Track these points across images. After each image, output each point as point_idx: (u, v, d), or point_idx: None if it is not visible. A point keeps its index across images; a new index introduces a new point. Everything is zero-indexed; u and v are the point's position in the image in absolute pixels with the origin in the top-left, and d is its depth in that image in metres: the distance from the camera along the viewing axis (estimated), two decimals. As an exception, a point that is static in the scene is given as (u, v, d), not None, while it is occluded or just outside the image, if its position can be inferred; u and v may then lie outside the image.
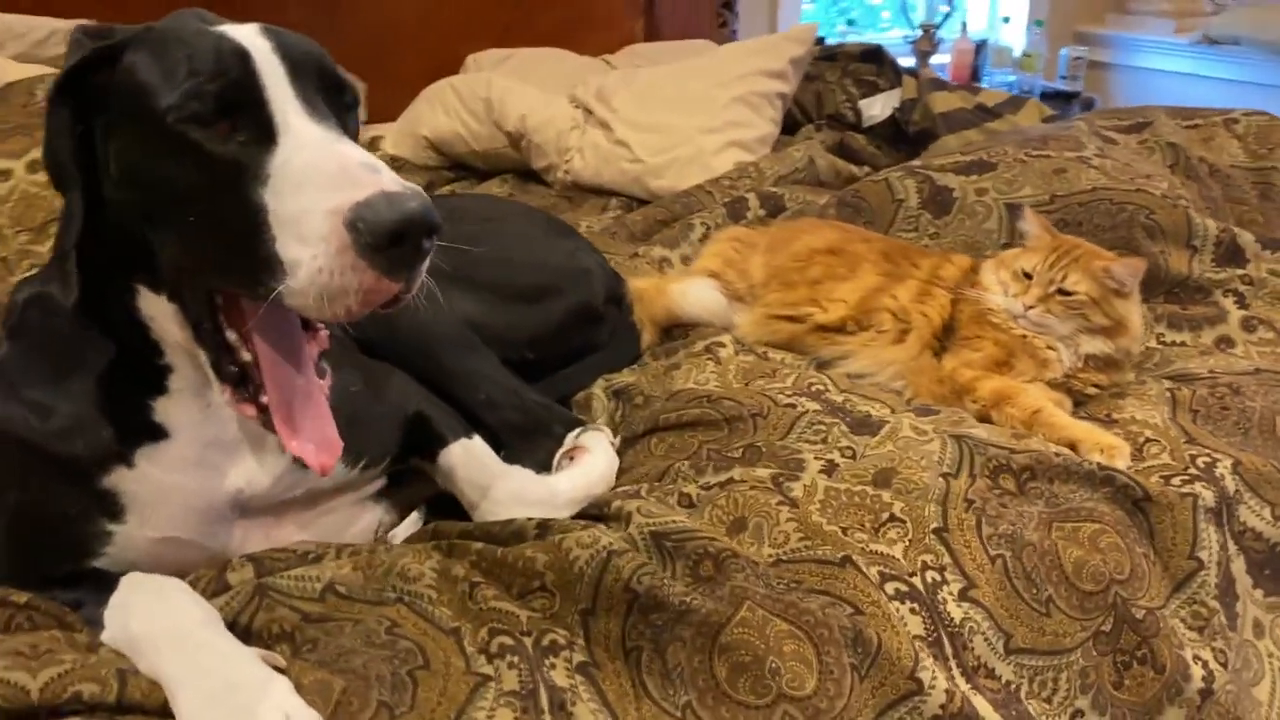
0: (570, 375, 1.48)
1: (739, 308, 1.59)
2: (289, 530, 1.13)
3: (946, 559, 1.06)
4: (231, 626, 0.92)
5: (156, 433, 0.98)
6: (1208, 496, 1.17)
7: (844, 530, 1.06)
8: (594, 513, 1.14)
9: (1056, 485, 1.17)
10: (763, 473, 1.14)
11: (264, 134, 0.85)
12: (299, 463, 1.06)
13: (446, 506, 1.23)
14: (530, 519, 1.07)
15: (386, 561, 1.00)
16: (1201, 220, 1.65)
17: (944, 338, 1.44)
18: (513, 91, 2.31)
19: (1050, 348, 1.38)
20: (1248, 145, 1.92)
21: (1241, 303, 1.59)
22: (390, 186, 0.79)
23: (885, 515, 1.09)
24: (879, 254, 1.54)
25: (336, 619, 0.95)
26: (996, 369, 1.38)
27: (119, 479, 0.97)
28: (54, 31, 2.32)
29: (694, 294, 1.58)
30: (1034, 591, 1.06)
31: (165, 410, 0.98)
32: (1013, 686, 1.03)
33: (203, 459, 1.01)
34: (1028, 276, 1.41)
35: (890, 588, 1.02)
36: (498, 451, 1.25)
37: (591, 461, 1.21)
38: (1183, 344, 1.54)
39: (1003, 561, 1.07)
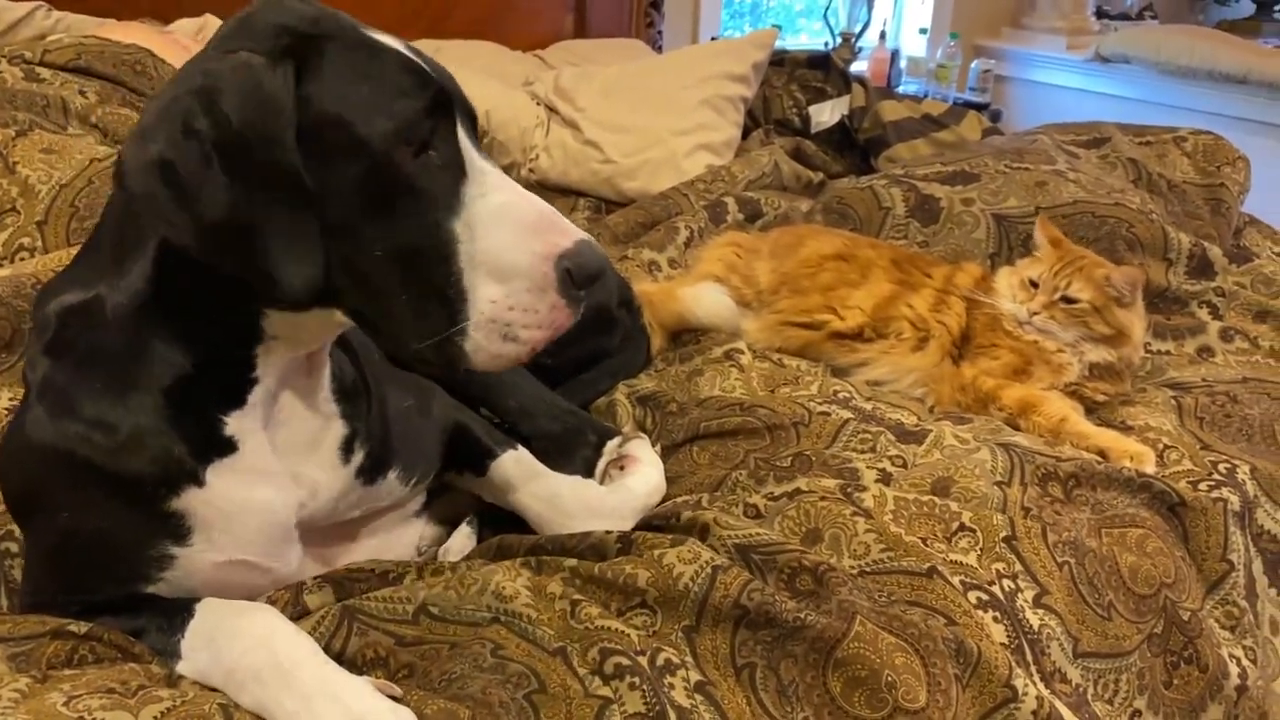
0: (588, 381, 1.45)
1: (745, 313, 1.59)
2: (338, 550, 1.07)
3: (1019, 567, 1.08)
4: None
5: (226, 447, 0.91)
6: (1234, 501, 1.23)
7: (923, 540, 1.07)
8: (658, 523, 1.12)
9: (1100, 492, 1.20)
10: (830, 483, 1.13)
11: (455, 163, 0.85)
12: (361, 478, 1.02)
13: (491, 520, 1.19)
14: (610, 533, 1.04)
15: (479, 580, 0.95)
16: (1175, 234, 1.73)
17: (961, 346, 1.47)
18: (474, 85, 2.24)
19: (1061, 352, 1.43)
20: (1197, 163, 2.03)
21: (1216, 314, 1.68)
22: (583, 234, 0.87)
23: (955, 525, 1.10)
24: (888, 261, 1.56)
25: (431, 642, 0.90)
26: (1015, 376, 1.41)
27: (188, 499, 0.90)
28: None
29: (705, 299, 1.57)
30: (1097, 597, 1.09)
31: (238, 424, 0.91)
32: (1081, 689, 1.05)
33: (270, 472, 0.94)
34: (1034, 285, 1.45)
35: (973, 597, 1.03)
36: (537, 462, 1.21)
37: (645, 470, 1.19)
38: (1169, 353, 1.62)
39: (1069, 568, 1.09)
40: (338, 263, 0.84)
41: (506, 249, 0.84)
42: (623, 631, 0.91)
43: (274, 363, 0.92)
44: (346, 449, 1.01)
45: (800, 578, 0.98)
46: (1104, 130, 2.09)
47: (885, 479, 1.17)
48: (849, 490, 1.12)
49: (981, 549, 1.08)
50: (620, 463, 1.21)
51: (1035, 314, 1.41)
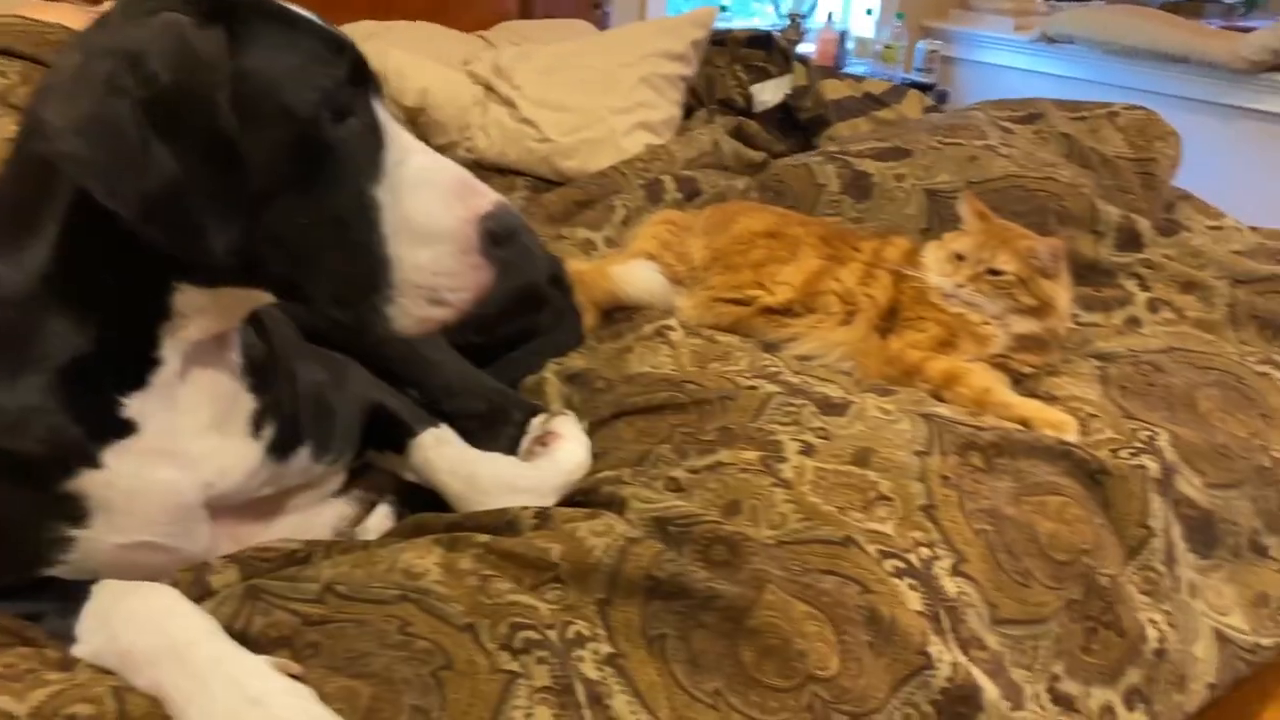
0: (517, 360, 1.44)
1: (678, 290, 1.58)
2: (252, 530, 1.05)
3: (936, 535, 1.08)
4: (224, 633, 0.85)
5: (124, 429, 0.89)
6: (1153, 468, 1.24)
7: (840, 510, 1.07)
8: (579, 499, 1.11)
9: (1020, 460, 1.21)
10: (751, 455, 1.13)
11: (374, 130, 0.86)
12: (272, 455, 1.00)
13: (410, 499, 1.17)
14: (525, 508, 1.03)
15: (387, 558, 0.94)
16: (1104, 207, 1.75)
17: (889, 319, 1.47)
18: (411, 64, 2.22)
19: (986, 324, 1.43)
20: (1129, 137, 2.04)
21: (1144, 285, 1.70)
22: (499, 195, 0.89)
23: (874, 494, 1.10)
24: (817, 237, 1.56)
25: (338, 620, 0.89)
26: (941, 349, 1.42)
27: (84, 482, 0.88)
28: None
29: (636, 276, 1.56)
30: (1015, 564, 1.10)
31: (138, 405, 0.89)
32: (999, 656, 1.06)
33: (174, 452, 0.92)
34: (960, 258, 1.46)
35: (890, 565, 1.03)
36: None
37: (569, 447, 1.18)
38: (1097, 324, 1.63)
39: (986, 536, 1.10)
40: (262, 232, 0.83)
41: (430, 213, 0.85)
42: (533, 606, 0.90)
43: (180, 342, 0.91)
44: (256, 425, 0.99)
45: (715, 548, 0.98)
46: (1038, 106, 2.10)
47: (808, 450, 1.17)
48: (769, 462, 1.12)
49: (899, 518, 1.09)
50: (544, 439, 1.20)
51: (961, 287, 1.42)
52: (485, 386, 1.30)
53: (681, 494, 1.10)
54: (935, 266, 1.47)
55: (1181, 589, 1.24)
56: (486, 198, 0.89)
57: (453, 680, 0.83)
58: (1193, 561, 1.27)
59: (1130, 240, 1.75)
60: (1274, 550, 1.32)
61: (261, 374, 1.01)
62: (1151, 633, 1.16)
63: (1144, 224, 1.76)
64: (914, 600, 1.01)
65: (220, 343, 0.96)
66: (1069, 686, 1.10)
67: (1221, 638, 1.25)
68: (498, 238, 0.88)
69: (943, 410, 1.27)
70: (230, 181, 0.80)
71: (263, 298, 0.94)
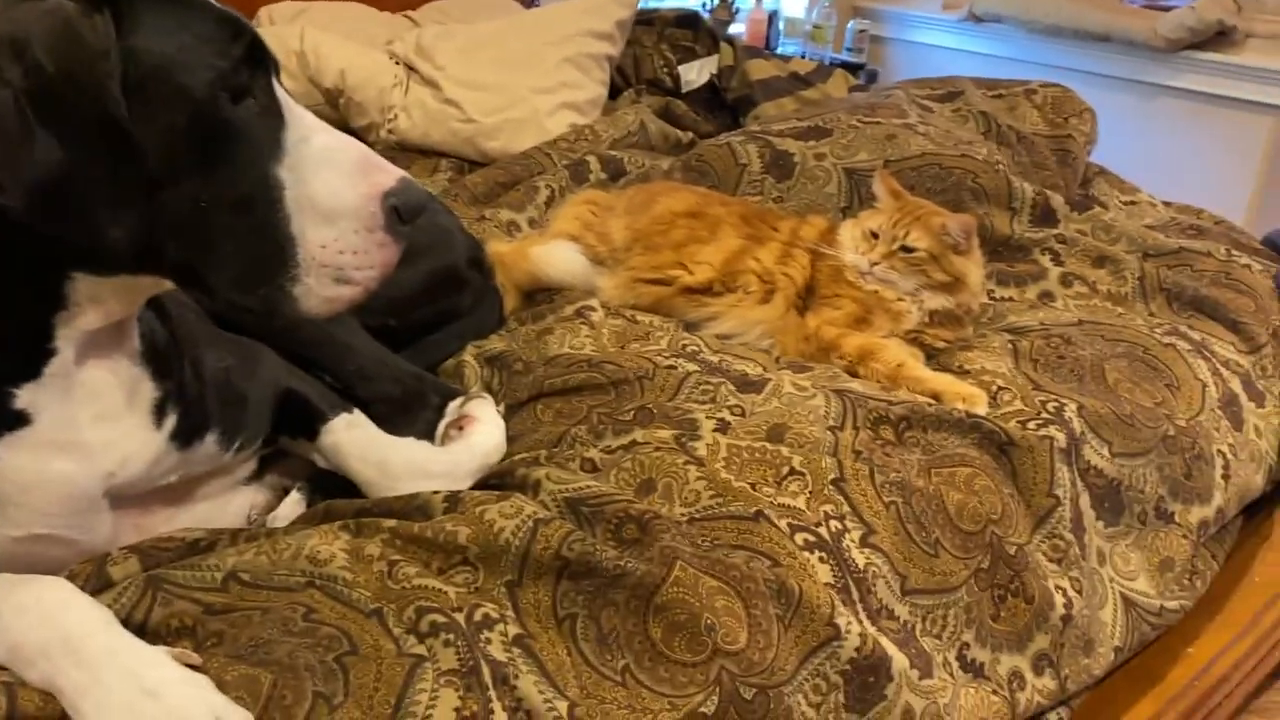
0: (436, 343, 1.43)
1: (600, 271, 1.58)
2: (159, 519, 1.04)
3: (846, 508, 1.10)
4: (124, 625, 0.83)
5: (17, 420, 0.87)
6: (1060, 438, 1.27)
7: (752, 486, 1.08)
8: (494, 482, 1.11)
9: (930, 434, 1.23)
10: (665, 433, 1.14)
11: (273, 110, 0.86)
12: (175, 442, 0.99)
13: (324, 486, 1.16)
14: (436, 493, 1.03)
15: (292, 545, 0.93)
16: (1019, 183, 1.78)
17: (806, 297, 1.48)
18: (329, 44, 2.19)
19: (900, 300, 1.45)
20: (1046, 114, 2.08)
21: (1057, 260, 1.73)
22: (402, 171, 0.90)
23: (786, 469, 1.11)
24: (738, 216, 1.57)
25: (242, 608, 0.88)
26: (857, 326, 1.44)
27: None
28: None
29: (556, 257, 1.55)
30: (924, 535, 1.12)
31: (31, 396, 0.87)
32: (910, 625, 1.08)
33: (70, 443, 0.90)
34: (875, 236, 1.47)
35: (800, 538, 1.04)
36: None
37: (484, 430, 1.17)
38: (1011, 299, 1.66)
39: (895, 508, 1.12)
40: (161, 219, 0.82)
41: (333, 191, 0.86)
42: (441, 590, 0.90)
43: (75, 331, 0.89)
44: (159, 412, 0.98)
45: (626, 527, 0.98)
46: (958, 84, 2.13)
47: (723, 428, 1.18)
48: (684, 440, 1.13)
49: (810, 492, 1.10)
50: (459, 423, 1.20)
51: (875, 264, 1.44)
52: (400, 371, 1.29)
53: (596, 474, 1.10)
54: (850, 245, 1.49)
55: (1089, 556, 1.27)
56: (390, 174, 0.89)
57: (357, 665, 0.83)
58: (1100, 529, 1.30)
59: (1045, 216, 1.78)
60: (1179, 516, 1.36)
61: (163, 360, 0.99)
62: (1059, 599, 1.19)
63: (1058, 200, 1.80)
64: (823, 573, 1.03)
65: (118, 330, 0.94)
66: (978, 654, 1.13)
67: (1128, 602, 1.28)
68: (402, 214, 0.89)
69: (856, 386, 1.28)
70: (124, 168, 0.79)
71: (162, 284, 0.93)
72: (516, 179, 1.94)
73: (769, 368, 1.38)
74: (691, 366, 1.33)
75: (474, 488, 1.10)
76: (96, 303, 0.89)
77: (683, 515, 1.04)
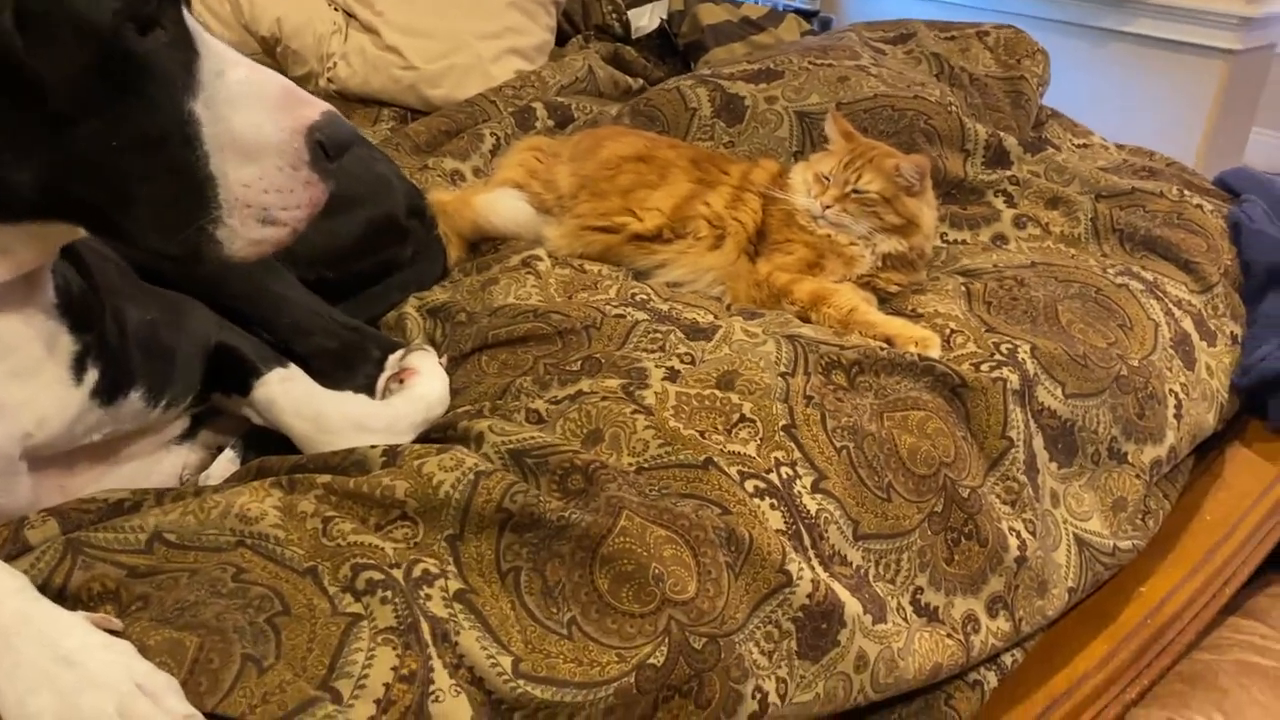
0: (377, 295, 1.38)
1: (547, 219, 1.54)
2: (84, 480, 0.99)
3: (797, 454, 1.08)
4: (42, 591, 0.79)
5: None
6: (1014, 379, 1.25)
7: (701, 434, 1.05)
8: (436, 435, 1.08)
9: (883, 378, 1.21)
10: (612, 383, 1.11)
11: (185, 42, 0.81)
12: (97, 399, 0.94)
13: (260, 443, 1.12)
14: (374, 447, 0.99)
15: (221, 503, 0.89)
16: (972, 125, 1.75)
17: (758, 242, 1.45)
18: (265, -10, 2.10)
19: (853, 244, 1.43)
20: (998, 56, 2.05)
21: (1011, 202, 1.71)
22: (328, 105, 0.85)
23: (736, 416, 1.09)
24: (688, 161, 1.53)
25: (169, 570, 0.84)
26: (809, 271, 1.41)
27: None
28: None
29: (501, 206, 1.51)
30: (876, 479, 1.10)
31: None
32: (863, 570, 1.07)
33: None
34: (826, 179, 1.44)
35: (750, 485, 1.02)
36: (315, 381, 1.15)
37: (425, 382, 1.14)
38: (964, 242, 1.64)
39: (847, 452, 1.10)
40: (68, 161, 0.78)
41: (255, 126, 0.82)
42: (378, 546, 0.87)
43: None
44: (78, 367, 0.93)
45: (571, 478, 0.95)
46: (910, 26, 2.09)
47: (672, 376, 1.15)
48: (631, 389, 1.10)
49: (761, 439, 1.08)
50: (400, 376, 1.16)
51: (828, 208, 1.41)
52: (338, 324, 1.24)
53: (542, 426, 1.07)
54: (802, 188, 1.46)
55: (1043, 497, 1.26)
56: (314, 107, 0.85)
57: (290, 626, 0.79)
58: (1054, 470, 1.29)
59: (998, 158, 1.76)
60: (1132, 456, 1.36)
61: (82, 312, 0.94)
62: (1013, 541, 1.18)
63: (1011, 141, 1.78)
64: (775, 519, 1.01)
65: (29, 282, 0.89)
66: (932, 597, 1.12)
67: (1081, 543, 1.28)
68: (329, 150, 0.85)
69: (807, 331, 1.26)
70: (23, 107, 0.75)
71: (76, 232, 0.88)
72: (460, 127, 1.89)
73: (720, 315, 1.35)
74: (640, 315, 1.30)
75: (416, 442, 1.07)
76: (5, 253, 0.84)
77: (631, 465, 1.02)
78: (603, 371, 1.17)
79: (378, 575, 0.84)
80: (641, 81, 2.34)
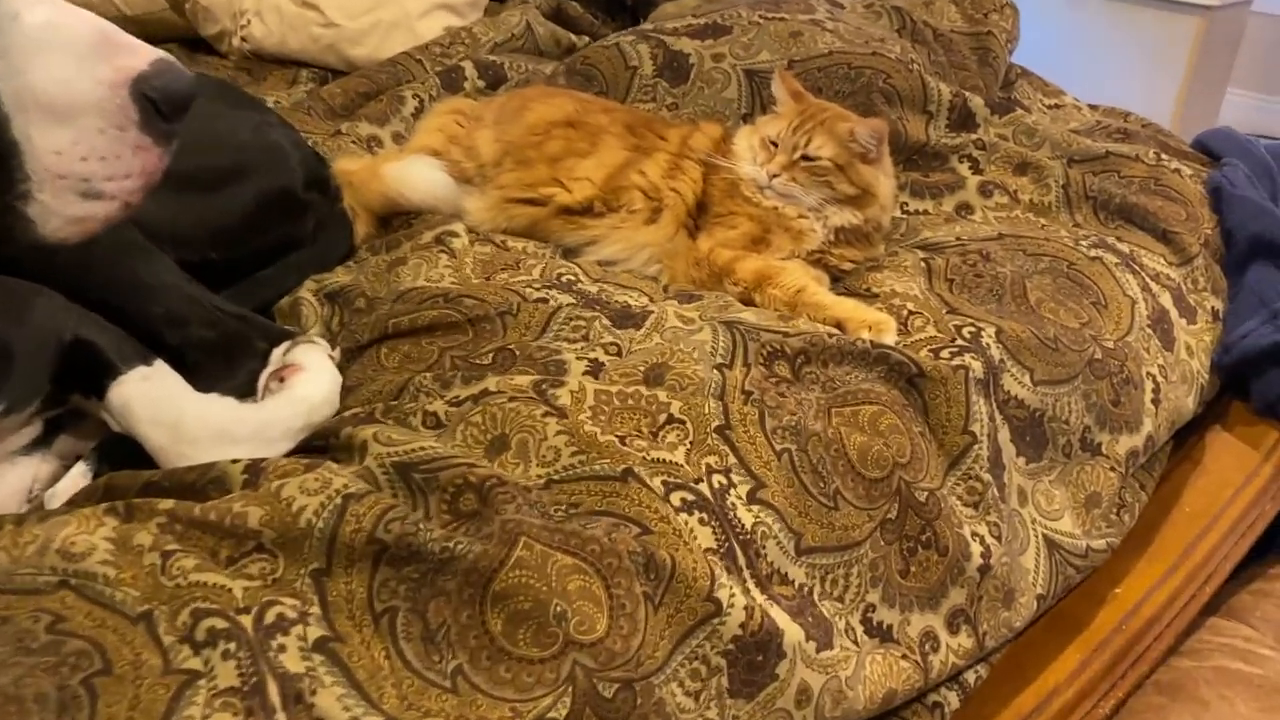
0: (269, 278, 1.24)
1: (468, 190, 1.39)
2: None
3: (732, 459, 0.95)
4: None
5: None
6: (977, 367, 1.13)
7: (621, 439, 0.92)
8: (319, 444, 0.94)
9: (831, 368, 1.09)
10: (522, 380, 0.97)
11: None
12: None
13: (124, 454, 0.98)
14: (237, 461, 0.85)
15: (40, 536, 0.75)
16: (935, 84, 1.62)
17: (698, 216, 1.32)
18: (171, -58, 1.93)
19: (803, 217, 1.29)
20: (964, 10, 1.92)
21: (976, 168, 1.58)
22: (160, 51, 0.74)
23: (663, 417, 0.96)
24: (622, 126, 1.38)
25: (-31, 622, 0.70)
26: (754, 247, 1.28)
27: None
28: None
29: (414, 175, 1.36)
30: (821, 485, 0.98)
31: None
32: (806, 589, 0.94)
33: None
34: (774, 145, 1.30)
35: (676, 498, 0.89)
36: (189, 379, 1.01)
37: (309, 381, 1.00)
38: (926, 212, 1.51)
39: (789, 456, 0.97)
40: None
41: (63, 80, 0.70)
42: (224, 586, 0.73)
43: None
44: None
45: (464, 497, 0.82)
46: (871, -22, 1.95)
47: (594, 370, 1.02)
48: (544, 387, 0.96)
49: (691, 443, 0.95)
50: (281, 373, 1.02)
51: (775, 176, 1.27)
52: (218, 313, 1.10)
53: (440, 432, 0.93)
54: (747, 155, 1.32)
55: (1009, 497, 1.14)
56: (139, 56, 0.73)
57: (109, 689, 0.66)
58: (1022, 466, 1.18)
59: (963, 120, 1.63)
60: (1106, 447, 1.24)
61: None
62: (975, 548, 1.06)
63: (977, 102, 1.65)
64: (704, 536, 0.88)
65: None
66: (885, 615, 1.00)
67: (1051, 544, 1.16)
68: (162, 107, 0.73)
69: (748, 316, 1.13)
70: None
71: None
72: (380, 88, 1.73)
73: (654, 298, 1.21)
74: (565, 299, 1.16)
75: (293, 453, 0.93)
76: None
77: (539, 477, 0.88)
78: (516, 366, 1.04)
79: (221, 623, 0.70)
80: (587, 39, 2.18)
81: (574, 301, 1.16)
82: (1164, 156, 1.66)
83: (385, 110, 1.64)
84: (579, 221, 1.33)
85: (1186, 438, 1.46)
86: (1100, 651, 1.20)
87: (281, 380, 1.00)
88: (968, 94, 1.64)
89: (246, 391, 1.05)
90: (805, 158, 1.27)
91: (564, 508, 0.84)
